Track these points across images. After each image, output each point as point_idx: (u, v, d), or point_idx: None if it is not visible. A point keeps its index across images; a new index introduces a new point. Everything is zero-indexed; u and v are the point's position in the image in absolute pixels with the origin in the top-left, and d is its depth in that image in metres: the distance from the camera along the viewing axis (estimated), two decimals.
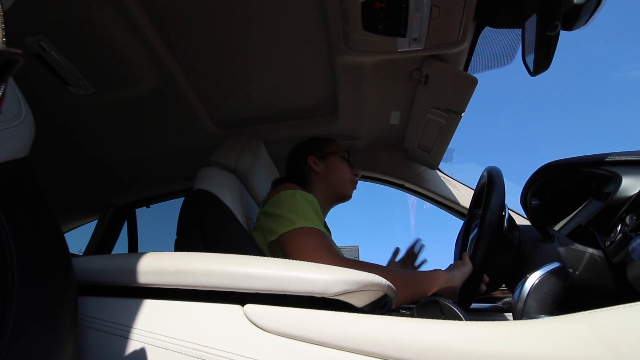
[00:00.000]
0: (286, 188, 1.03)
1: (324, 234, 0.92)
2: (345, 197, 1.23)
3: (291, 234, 0.91)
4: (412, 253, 1.27)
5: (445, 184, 1.58)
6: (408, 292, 0.83)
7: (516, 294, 0.66)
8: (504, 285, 1.07)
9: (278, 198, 1.00)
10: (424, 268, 1.26)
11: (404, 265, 1.25)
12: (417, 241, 1.28)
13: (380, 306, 0.64)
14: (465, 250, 1.06)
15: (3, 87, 0.29)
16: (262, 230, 0.99)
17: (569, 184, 1.01)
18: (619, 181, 0.80)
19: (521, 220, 1.34)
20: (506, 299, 1.37)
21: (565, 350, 0.42)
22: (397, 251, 1.29)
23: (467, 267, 0.90)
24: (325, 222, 1.21)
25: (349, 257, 0.95)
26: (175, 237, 1.04)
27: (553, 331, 0.44)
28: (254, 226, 1.08)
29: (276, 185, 1.17)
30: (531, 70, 0.83)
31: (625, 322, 0.43)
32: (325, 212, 1.22)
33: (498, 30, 1.04)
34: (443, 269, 0.93)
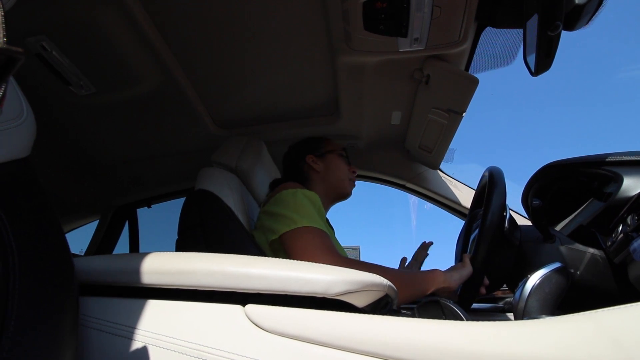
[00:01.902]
0: (287, 187, 1.04)
1: (325, 233, 0.93)
2: (344, 194, 1.23)
3: (292, 234, 0.91)
4: (420, 255, 1.26)
5: (446, 184, 1.58)
6: (407, 291, 0.84)
7: (517, 294, 0.66)
8: (505, 286, 1.07)
9: (279, 197, 1.00)
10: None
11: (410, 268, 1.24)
12: (422, 244, 1.27)
13: (381, 306, 0.64)
14: (467, 251, 1.06)
15: (4, 86, 0.29)
16: (263, 229, 0.99)
17: (571, 184, 1.00)
18: (620, 181, 0.80)
19: (522, 221, 1.33)
20: (507, 299, 1.37)
21: (569, 350, 0.42)
22: (404, 260, 1.28)
23: (466, 270, 0.90)
24: (327, 219, 1.21)
25: (350, 257, 0.95)
26: (177, 237, 1.04)
27: (555, 331, 0.44)
28: (255, 225, 1.08)
29: (274, 186, 1.17)
30: (532, 70, 0.83)
31: (630, 321, 0.43)
32: (325, 210, 1.22)
33: (499, 30, 1.04)
34: (443, 269, 0.93)
